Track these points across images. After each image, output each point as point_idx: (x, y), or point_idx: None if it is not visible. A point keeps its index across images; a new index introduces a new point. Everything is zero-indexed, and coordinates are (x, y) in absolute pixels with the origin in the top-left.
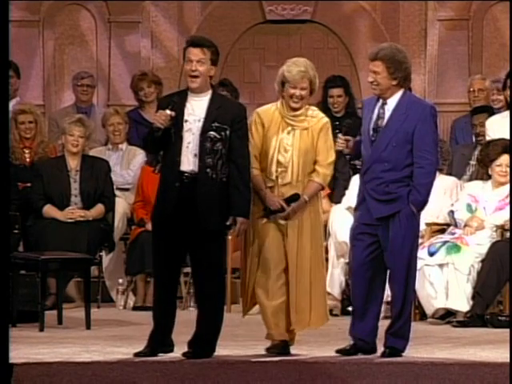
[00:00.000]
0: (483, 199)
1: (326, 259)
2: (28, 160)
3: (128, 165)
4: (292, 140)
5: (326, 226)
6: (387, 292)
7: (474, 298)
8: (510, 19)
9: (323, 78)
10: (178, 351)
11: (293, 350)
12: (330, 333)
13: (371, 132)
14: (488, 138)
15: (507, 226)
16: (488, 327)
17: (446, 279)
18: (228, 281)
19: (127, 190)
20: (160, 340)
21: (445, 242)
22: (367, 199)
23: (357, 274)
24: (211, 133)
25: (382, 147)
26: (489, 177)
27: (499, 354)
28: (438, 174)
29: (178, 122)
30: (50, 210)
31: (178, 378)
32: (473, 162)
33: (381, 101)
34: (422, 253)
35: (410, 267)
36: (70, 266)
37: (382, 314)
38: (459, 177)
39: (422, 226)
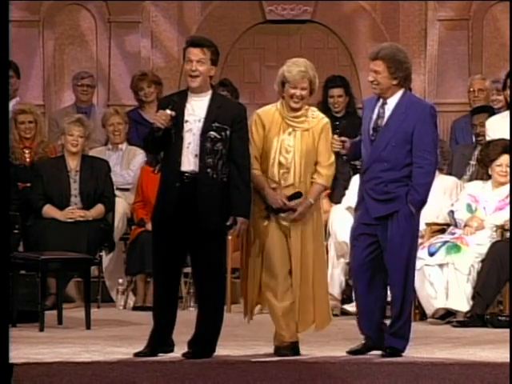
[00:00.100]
0: (483, 199)
1: (326, 259)
2: (28, 160)
3: (128, 165)
4: (293, 141)
5: (325, 226)
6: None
7: (474, 298)
8: (510, 19)
9: (323, 78)
10: (178, 351)
11: None
12: (330, 333)
13: (371, 132)
14: (488, 138)
15: (507, 226)
16: (488, 327)
17: (445, 279)
18: (228, 281)
19: (127, 190)
20: (160, 340)
21: (445, 242)
22: (366, 199)
23: (357, 275)
24: (211, 133)
25: (382, 147)
26: (489, 177)
27: (499, 354)
28: (438, 173)
29: (178, 122)
30: (49, 210)
31: (178, 378)
32: (473, 162)
33: (381, 100)
34: (421, 253)
35: (409, 267)
36: (70, 265)
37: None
38: (459, 177)
39: (422, 226)
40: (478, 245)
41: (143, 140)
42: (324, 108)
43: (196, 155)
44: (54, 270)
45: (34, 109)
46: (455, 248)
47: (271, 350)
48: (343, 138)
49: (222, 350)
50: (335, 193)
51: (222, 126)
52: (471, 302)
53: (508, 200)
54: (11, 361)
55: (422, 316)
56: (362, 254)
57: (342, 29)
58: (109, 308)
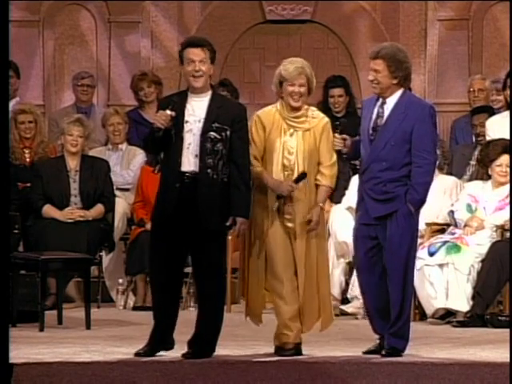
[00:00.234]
0: (483, 199)
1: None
2: (28, 160)
3: (128, 165)
4: (295, 142)
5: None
6: None
7: (474, 298)
8: (510, 19)
9: (323, 78)
10: (178, 351)
11: None
12: (330, 333)
13: (370, 131)
14: (488, 138)
15: (507, 226)
16: (488, 327)
17: (446, 279)
18: (228, 281)
19: (127, 190)
20: (161, 339)
21: (445, 242)
22: (365, 199)
23: (365, 277)
24: (212, 133)
25: (381, 146)
26: (489, 177)
27: (499, 354)
28: (438, 173)
29: (178, 122)
30: (49, 210)
31: (178, 378)
32: (473, 162)
33: (380, 100)
34: (421, 253)
35: (408, 267)
36: (70, 265)
37: None
38: (459, 177)
39: (422, 226)
40: (478, 245)
41: (143, 140)
42: (324, 108)
43: (196, 155)
44: (54, 270)
45: (34, 109)
46: (455, 248)
47: (271, 349)
48: (344, 136)
49: (222, 350)
50: (335, 193)
51: (222, 126)
52: (471, 302)
53: (508, 200)
54: (11, 361)
55: (422, 316)
56: (365, 257)
57: (342, 29)
58: (109, 308)
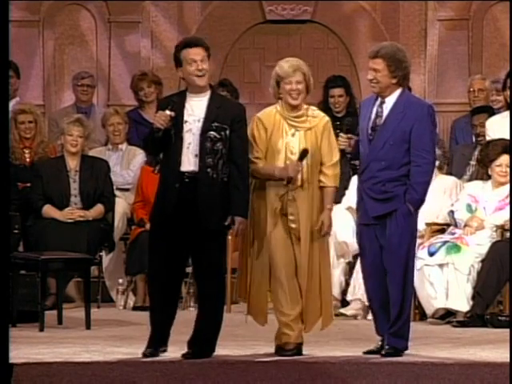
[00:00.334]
0: (483, 199)
1: None
2: (28, 160)
3: (128, 165)
4: (298, 142)
5: None
6: None
7: (474, 298)
8: (510, 19)
9: (323, 78)
10: (178, 351)
11: None
12: (329, 333)
13: (369, 131)
14: (488, 138)
15: (507, 226)
16: (488, 327)
17: (446, 279)
18: (228, 281)
19: (127, 190)
20: (160, 339)
21: (445, 242)
22: (364, 198)
23: (370, 278)
24: (211, 133)
25: (380, 146)
26: (489, 177)
27: (499, 354)
28: (437, 173)
29: (177, 122)
30: (49, 210)
31: (178, 378)
32: (473, 162)
33: (379, 99)
34: (421, 253)
35: (408, 266)
36: (70, 265)
37: None
38: (459, 177)
39: (422, 226)
40: (478, 245)
41: (143, 141)
42: (325, 108)
43: (196, 155)
44: (54, 270)
45: (34, 109)
46: (455, 248)
47: (271, 349)
48: (350, 136)
49: (222, 350)
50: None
51: (221, 125)
52: (471, 302)
53: (508, 200)
54: (11, 361)
55: (422, 316)
56: (369, 259)
57: (342, 29)
58: (109, 308)
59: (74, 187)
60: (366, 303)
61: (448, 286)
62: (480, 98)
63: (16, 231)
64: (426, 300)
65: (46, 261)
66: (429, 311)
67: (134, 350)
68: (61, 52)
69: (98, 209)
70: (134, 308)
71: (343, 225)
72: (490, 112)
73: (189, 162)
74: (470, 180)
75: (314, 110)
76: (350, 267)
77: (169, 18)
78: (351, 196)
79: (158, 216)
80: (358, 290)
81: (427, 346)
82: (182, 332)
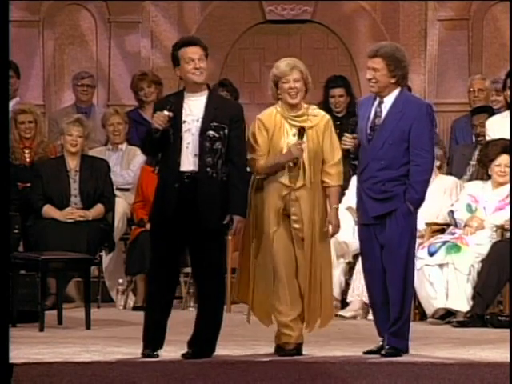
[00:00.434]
0: (483, 199)
1: None
2: (28, 160)
3: (128, 165)
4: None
5: None
6: None
7: (474, 298)
8: (510, 19)
9: (323, 78)
10: (178, 351)
11: None
12: (329, 333)
13: (368, 131)
14: (488, 138)
15: (507, 226)
16: (488, 327)
17: (446, 279)
18: (228, 281)
19: (127, 190)
20: (158, 339)
21: (445, 242)
22: (364, 198)
23: (372, 279)
24: (210, 132)
25: (379, 146)
26: (489, 177)
27: (499, 354)
28: (437, 173)
29: (176, 122)
30: (49, 210)
31: (178, 378)
32: (473, 162)
33: (378, 99)
34: (422, 253)
35: (408, 266)
36: (70, 265)
37: None
38: (459, 177)
39: (422, 226)
40: (478, 245)
41: (141, 141)
42: (325, 108)
43: (195, 155)
44: (54, 270)
45: (34, 109)
46: (455, 248)
47: (271, 349)
48: (355, 135)
49: (222, 350)
50: None
51: (220, 125)
52: (471, 302)
53: (508, 200)
54: (11, 361)
55: (422, 316)
56: (370, 260)
57: (342, 29)
58: (109, 308)
59: (74, 187)
60: (367, 301)
61: (448, 286)
62: (480, 98)
63: (16, 231)
64: (426, 300)
65: (46, 261)
66: (429, 311)
67: (133, 350)
68: (61, 52)
69: (98, 209)
70: (134, 308)
71: (343, 225)
72: (490, 112)
73: (188, 162)
74: (470, 180)
75: (315, 109)
76: (350, 267)
77: (169, 18)
78: (351, 196)
79: (158, 216)
80: (358, 289)
81: (427, 345)
82: (182, 332)
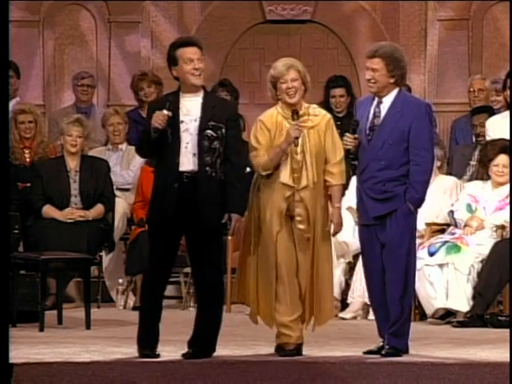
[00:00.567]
0: (483, 199)
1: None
2: (28, 160)
3: (128, 165)
4: (301, 141)
5: None
6: None
7: (474, 298)
8: (510, 19)
9: (323, 78)
10: (178, 351)
11: None
12: (329, 333)
13: (367, 131)
14: (488, 138)
15: (507, 226)
16: (488, 327)
17: (446, 279)
18: (228, 281)
19: (127, 190)
20: (154, 340)
21: (445, 242)
22: (364, 198)
23: (372, 280)
24: (208, 131)
25: (379, 146)
26: (489, 177)
27: (499, 354)
28: (438, 174)
29: (174, 122)
30: (49, 211)
31: (178, 378)
32: (473, 163)
33: (376, 99)
34: (421, 253)
35: (409, 266)
36: (70, 265)
37: None
38: (459, 177)
39: (422, 226)
40: (478, 245)
41: (137, 142)
42: (326, 108)
43: (194, 154)
44: (54, 270)
45: (34, 109)
46: (455, 248)
47: (271, 349)
48: (356, 136)
49: (222, 350)
50: None
51: (217, 124)
52: (471, 302)
53: (508, 200)
54: (11, 361)
55: (422, 316)
56: (371, 261)
57: (342, 29)
58: (109, 308)
59: (74, 187)
60: (367, 301)
61: (448, 286)
62: (480, 98)
63: (16, 231)
64: (426, 300)
65: (46, 261)
66: (429, 311)
67: (133, 350)
68: (61, 52)
69: (98, 209)
70: (134, 308)
71: (343, 225)
72: (490, 112)
73: (188, 162)
74: (470, 180)
75: (316, 108)
76: (350, 267)
77: (169, 18)
78: (351, 196)
79: (157, 216)
80: (358, 290)
81: (427, 345)
82: (182, 332)
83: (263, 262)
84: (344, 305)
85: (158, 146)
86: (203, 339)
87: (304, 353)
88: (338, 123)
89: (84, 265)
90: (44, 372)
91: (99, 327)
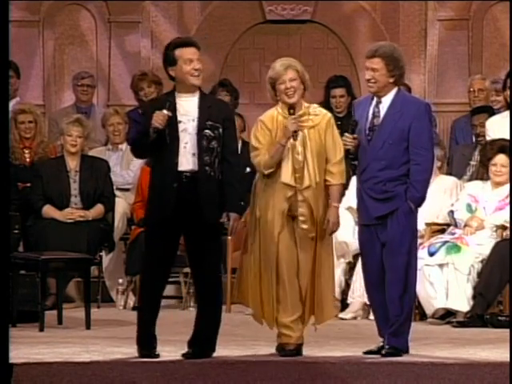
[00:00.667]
0: (483, 199)
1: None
2: (28, 160)
3: (128, 165)
4: (302, 142)
5: None
6: None
7: (474, 298)
8: (510, 19)
9: (323, 78)
10: (178, 351)
11: None
12: (329, 333)
13: (367, 131)
14: (488, 138)
15: (507, 226)
16: (488, 327)
17: (446, 279)
18: (228, 281)
19: (127, 190)
20: (152, 340)
21: (445, 242)
22: (365, 199)
23: (372, 281)
24: (206, 131)
25: (379, 146)
26: (489, 177)
27: (499, 354)
28: (438, 174)
29: (171, 123)
30: (49, 211)
31: (178, 378)
32: (473, 163)
33: (375, 100)
34: (422, 253)
35: (410, 265)
36: (70, 265)
37: None
38: (459, 177)
39: (422, 226)
40: (478, 245)
41: (135, 142)
42: (326, 108)
43: (194, 154)
44: (54, 270)
45: (34, 109)
46: (455, 248)
47: (271, 349)
48: (355, 136)
49: (222, 350)
50: None
51: (214, 124)
52: (471, 302)
53: (508, 200)
54: (11, 361)
55: (422, 316)
56: (371, 259)
57: (342, 29)
58: (109, 308)
59: (74, 187)
60: (367, 301)
61: (448, 286)
62: (480, 98)
63: (16, 231)
64: (426, 300)
65: (46, 261)
66: (429, 311)
67: (133, 350)
68: (61, 52)
69: (98, 209)
70: (134, 308)
71: (343, 225)
72: (490, 112)
73: (187, 162)
74: (470, 180)
75: (316, 108)
76: (350, 267)
77: (169, 18)
78: (351, 196)
79: (156, 216)
80: (358, 291)
81: (427, 345)
82: (182, 332)
83: (265, 263)
84: (344, 305)
85: (155, 146)
86: (203, 339)
87: (304, 353)
88: (339, 123)
89: (84, 265)
90: (44, 372)
91: (99, 327)
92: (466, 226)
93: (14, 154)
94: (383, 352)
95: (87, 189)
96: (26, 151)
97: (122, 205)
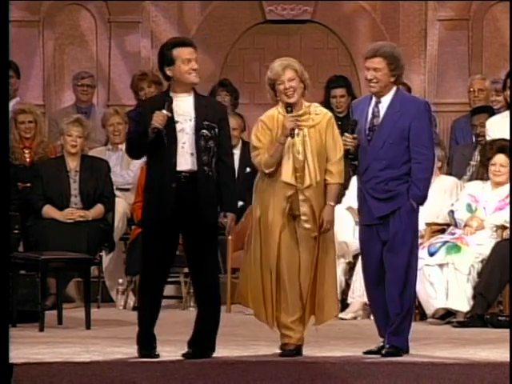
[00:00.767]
0: (483, 199)
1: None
2: (28, 160)
3: (128, 165)
4: (302, 141)
5: None
6: None
7: (475, 297)
8: (510, 19)
9: (323, 78)
10: (178, 351)
11: None
12: (329, 333)
13: (367, 131)
14: (488, 138)
15: (507, 226)
16: (488, 327)
17: (446, 279)
18: (228, 281)
19: (127, 190)
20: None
21: (445, 242)
22: (367, 199)
23: (372, 281)
24: (204, 131)
25: (379, 145)
26: (489, 177)
27: (499, 354)
28: (438, 174)
29: (169, 123)
30: (49, 211)
31: (178, 378)
32: (473, 163)
33: (374, 100)
34: (422, 253)
35: (411, 264)
36: (70, 265)
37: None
38: (459, 177)
39: (422, 226)
40: (478, 245)
41: (132, 142)
42: (326, 108)
43: (192, 154)
44: (54, 270)
45: (34, 109)
46: (455, 248)
47: (271, 349)
48: (355, 136)
49: (222, 350)
50: None
51: (211, 124)
52: (471, 302)
53: (508, 200)
54: (11, 361)
55: (422, 316)
56: (371, 259)
57: (342, 29)
58: (109, 308)
59: (74, 187)
60: (367, 301)
61: (448, 286)
62: (480, 98)
63: (16, 231)
64: (426, 300)
65: (46, 261)
66: (429, 311)
67: (133, 350)
68: (61, 52)
69: (98, 209)
70: (134, 308)
71: (343, 225)
72: (490, 112)
73: (185, 162)
74: (470, 180)
75: (317, 107)
76: (350, 267)
77: (169, 18)
78: (351, 196)
79: (155, 217)
80: (358, 291)
81: (427, 345)
82: (182, 332)
83: (265, 263)
84: (344, 305)
85: (152, 146)
86: (203, 339)
87: (304, 353)
88: (339, 123)
89: (84, 265)
90: (44, 372)
91: (99, 327)
92: (466, 226)
93: (14, 154)
94: (383, 352)
95: (87, 189)
96: (26, 151)
97: (122, 205)
